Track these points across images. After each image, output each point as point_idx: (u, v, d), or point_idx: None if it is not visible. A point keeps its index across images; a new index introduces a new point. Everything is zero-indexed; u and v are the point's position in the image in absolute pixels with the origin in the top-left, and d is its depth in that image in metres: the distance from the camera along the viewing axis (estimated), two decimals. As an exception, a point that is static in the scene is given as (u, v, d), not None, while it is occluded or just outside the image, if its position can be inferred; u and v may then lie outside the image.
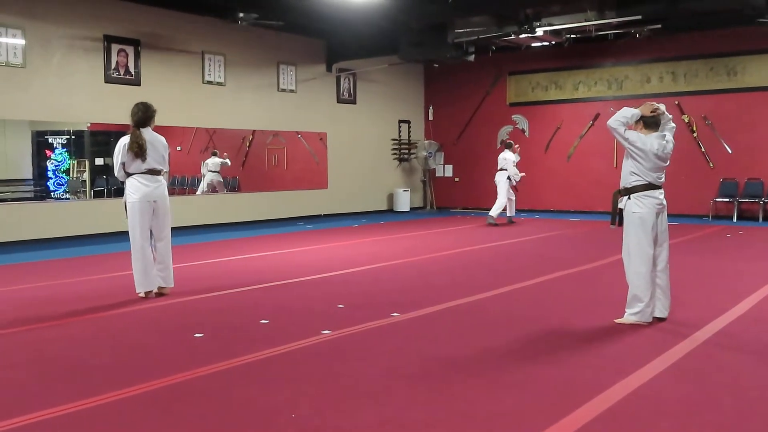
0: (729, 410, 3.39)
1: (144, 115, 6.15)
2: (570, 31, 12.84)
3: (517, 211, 13.95)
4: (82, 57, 11.00)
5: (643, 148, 4.96)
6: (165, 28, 12.04)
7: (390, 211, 16.62)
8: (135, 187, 6.12)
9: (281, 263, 8.32)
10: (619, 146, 14.79)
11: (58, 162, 12.52)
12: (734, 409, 3.41)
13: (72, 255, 9.25)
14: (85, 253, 9.39)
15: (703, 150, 14.07)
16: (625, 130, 4.98)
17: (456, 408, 3.42)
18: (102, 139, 12.82)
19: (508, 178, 12.71)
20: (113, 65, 11.36)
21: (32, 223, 10.56)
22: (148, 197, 6.14)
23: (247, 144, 14.74)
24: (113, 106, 11.14)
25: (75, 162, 12.59)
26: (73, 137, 12.63)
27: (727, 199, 13.68)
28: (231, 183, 14.85)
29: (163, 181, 6.29)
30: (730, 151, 13.82)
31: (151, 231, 6.24)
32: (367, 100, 16.10)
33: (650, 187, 5.03)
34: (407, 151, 17.24)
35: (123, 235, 6.78)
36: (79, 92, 11.00)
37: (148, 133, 6.15)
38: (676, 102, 13.93)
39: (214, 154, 14.26)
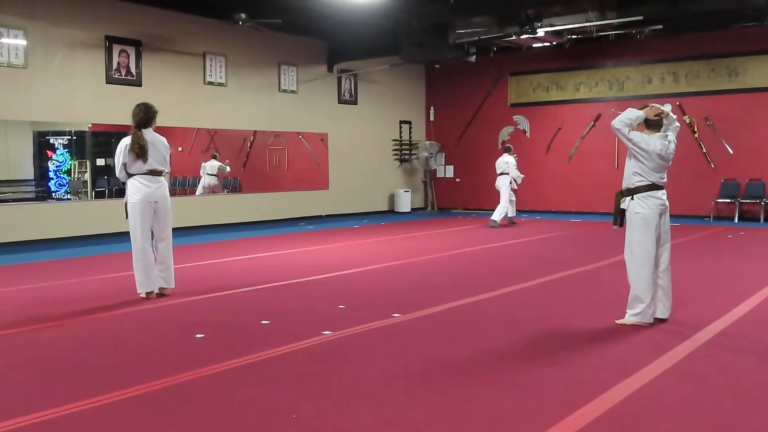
0: (730, 411, 3.39)
1: (145, 115, 6.15)
2: (571, 31, 12.84)
3: (519, 211, 13.96)
4: (83, 58, 11.01)
5: (646, 149, 4.96)
6: (166, 29, 12.05)
7: (391, 212, 16.62)
8: (136, 188, 6.12)
9: (282, 264, 8.32)
10: (621, 147, 14.80)
11: (60, 162, 12.53)
12: (735, 409, 3.41)
13: (73, 255, 9.25)
14: (86, 254, 9.40)
15: (704, 151, 14.06)
16: (630, 131, 4.98)
17: (457, 409, 3.41)
18: (103, 139, 12.83)
19: (511, 181, 12.70)
20: (114, 66, 11.37)
21: (33, 223, 10.57)
22: (149, 198, 6.14)
23: (249, 145, 14.76)
24: (114, 107, 11.15)
25: (76, 162, 12.61)
26: (74, 138, 12.65)
27: (729, 200, 13.67)
28: (232, 184, 14.87)
29: (164, 182, 6.29)
30: (731, 152, 13.82)
31: (152, 231, 6.24)
32: (368, 101, 16.10)
33: (653, 187, 5.03)
34: (408, 152, 17.24)
35: (124, 236, 6.78)
36: (81, 93, 11.01)
37: (149, 133, 6.16)
38: (678, 103, 13.92)
39: (214, 157, 14.27)
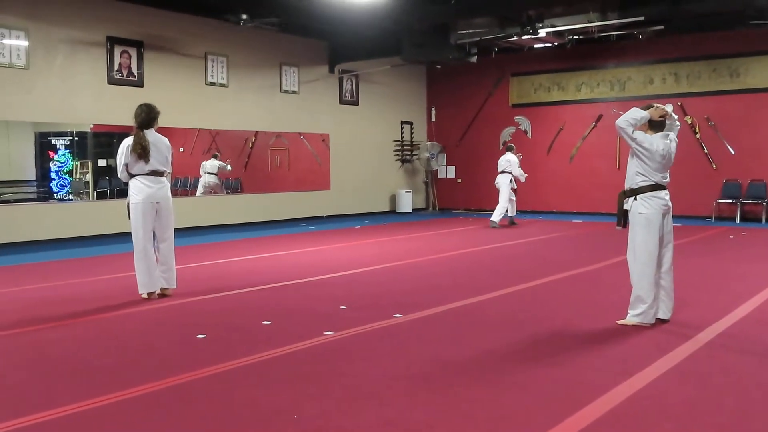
0: (732, 412, 3.39)
1: (147, 116, 6.16)
2: (573, 32, 12.84)
3: (520, 212, 13.96)
4: (85, 58, 11.02)
5: (650, 149, 4.97)
6: (168, 30, 12.06)
7: (392, 213, 16.62)
8: (138, 189, 6.13)
9: (284, 264, 8.33)
10: (622, 147, 14.82)
11: (61, 163, 12.54)
12: (737, 410, 3.41)
13: (75, 256, 9.26)
14: (87, 254, 9.41)
15: (705, 151, 14.05)
16: (634, 130, 4.99)
17: (458, 409, 3.42)
18: (105, 140, 12.84)
19: (510, 180, 12.70)
20: (116, 67, 11.38)
21: (35, 224, 10.58)
22: (151, 198, 6.14)
23: (250, 145, 14.76)
24: (116, 108, 11.16)
25: (78, 163, 12.62)
26: (76, 138, 12.65)
27: (730, 201, 13.66)
28: (233, 184, 14.87)
29: (166, 183, 6.29)
30: (733, 153, 13.81)
31: (154, 232, 6.25)
32: (369, 102, 16.11)
33: (656, 187, 5.03)
34: (410, 153, 17.24)
35: (125, 236, 6.79)
36: (82, 94, 11.02)
37: (151, 134, 6.16)
38: (679, 103, 13.90)
39: (215, 157, 14.27)
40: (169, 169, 6.34)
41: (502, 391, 3.68)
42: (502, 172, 12.82)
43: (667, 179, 5.11)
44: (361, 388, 3.73)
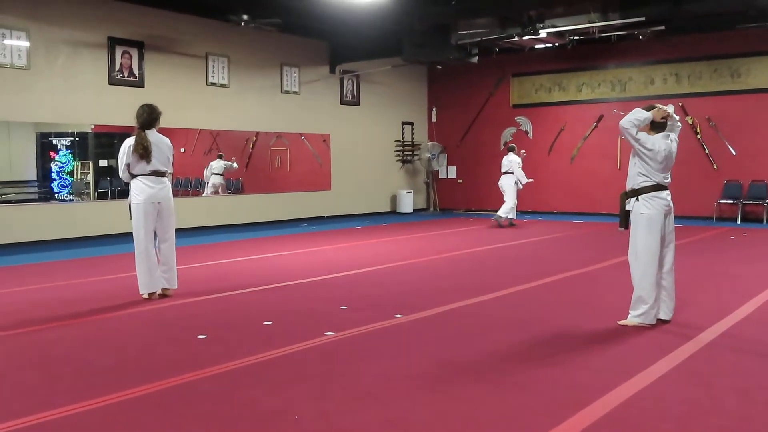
0: (733, 412, 3.39)
1: (149, 116, 6.16)
2: (573, 32, 12.82)
3: (521, 212, 13.94)
4: (86, 59, 11.03)
5: (652, 149, 4.98)
6: (169, 30, 12.07)
7: (393, 213, 16.63)
8: (140, 189, 6.13)
9: (284, 265, 8.33)
10: (623, 148, 14.80)
11: (62, 163, 12.55)
12: (738, 411, 3.41)
13: (76, 256, 9.27)
14: (88, 255, 9.41)
15: (707, 152, 14.05)
16: (637, 131, 5.00)
17: (459, 410, 3.41)
18: (106, 140, 12.85)
19: (516, 181, 12.71)
20: (117, 67, 11.39)
21: (36, 224, 10.58)
22: (152, 199, 6.15)
23: (251, 146, 14.76)
24: (117, 108, 11.17)
25: (79, 163, 12.62)
26: (77, 139, 12.66)
27: (731, 201, 13.65)
28: (234, 185, 14.87)
29: (167, 183, 6.30)
30: (734, 153, 13.80)
31: (155, 232, 6.25)
32: (370, 102, 16.11)
33: (658, 187, 5.04)
34: (410, 153, 17.24)
35: (126, 237, 6.79)
36: (83, 94, 11.03)
37: (153, 134, 6.17)
38: (680, 104, 13.90)
39: (220, 157, 14.28)
40: (170, 170, 6.35)
41: (503, 392, 3.68)
42: (506, 173, 12.83)
43: (669, 180, 5.12)
44: (361, 389, 3.73)
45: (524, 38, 12.57)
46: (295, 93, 14.40)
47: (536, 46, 14.54)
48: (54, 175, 12.56)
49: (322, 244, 10.44)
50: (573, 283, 6.99)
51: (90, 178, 12.65)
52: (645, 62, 14.68)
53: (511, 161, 12.80)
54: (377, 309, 5.71)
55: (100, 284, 7.05)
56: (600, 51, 14.91)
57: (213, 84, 12.86)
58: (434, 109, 17.58)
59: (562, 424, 3.21)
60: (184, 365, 4.17)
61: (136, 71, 11.62)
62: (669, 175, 5.12)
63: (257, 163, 15.01)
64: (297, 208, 14.51)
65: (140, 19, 11.62)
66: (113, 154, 12.12)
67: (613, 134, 14.51)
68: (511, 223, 12.99)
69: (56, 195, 12.41)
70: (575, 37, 13.42)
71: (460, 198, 17.28)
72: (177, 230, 6.51)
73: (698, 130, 14.07)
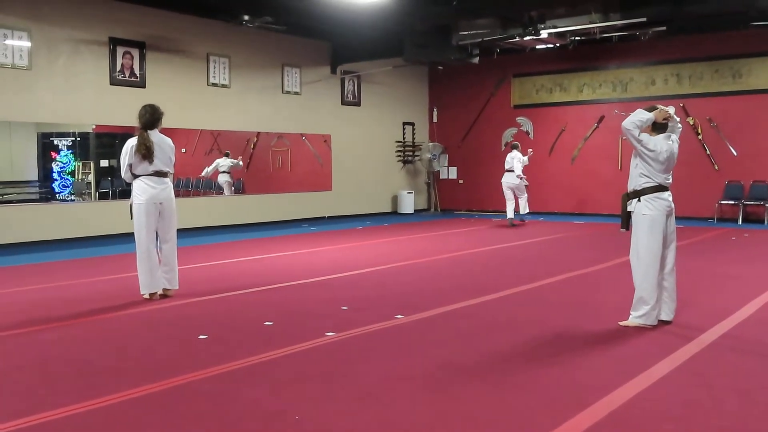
0: (734, 413, 3.38)
1: (151, 117, 6.17)
2: (574, 33, 12.83)
3: (519, 213, 13.92)
4: (87, 59, 11.03)
5: (654, 150, 4.99)
6: (170, 31, 12.07)
7: (394, 213, 16.62)
8: (142, 189, 6.14)
9: (285, 265, 8.33)
10: (624, 148, 14.78)
11: (63, 164, 12.56)
12: (739, 412, 3.40)
13: (77, 256, 9.27)
14: (89, 255, 9.41)
15: (708, 152, 14.04)
16: (639, 132, 5.00)
17: (460, 411, 3.41)
18: (107, 141, 12.86)
19: (521, 177, 12.84)
20: (118, 67, 11.39)
21: (37, 224, 10.59)
22: (154, 199, 6.15)
23: (252, 146, 14.76)
24: (118, 108, 11.18)
25: (80, 164, 12.63)
26: (78, 139, 12.67)
27: (732, 202, 13.64)
28: (235, 185, 14.88)
29: (169, 183, 6.30)
30: (735, 154, 13.79)
31: (156, 233, 6.25)
32: (371, 102, 16.11)
33: (660, 188, 5.04)
34: (411, 153, 17.24)
35: (127, 237, 6.80)
36: (85, 94, 11.03)
37: (155, 135, 6.17)
38: (681, 104, 13.89)
39: (227, 155, 14.30)
40: (172, 170, 6.35)
41: (504, 393, 3.68)
42: (509, 170, 12.91)
43: (670, 180, 5.13)
44: (362, 389, 3.73)
45: (525, 39, 12.58)
46: (296, 93, 14.40)
47: (537, 47, 14.56)
48: (55, 176, 12.57)
49: (323, 244, 10.44)
50: (574, 284, 6.99)
51: (91, 178, 12.66)
52: (646, 63, 14.67)
53: (513, 158, 12.86)
54: (378, 309, 5.70)
55: (101, 284, 7.06)
56: (601, 51, 14.91)
57: (214, 84, 12.86)
58: (435, 110, 17.57)
59: (563, 424, 3.21)
60: (185, 365, 4.17)
61: (137, 71, 11.63)
62: (670, 176, 5.13)
63: (258, 164, 15.01)
64: (298, 208, 14.51)
65: (141, 19, 11.62)
66: (114, 155, 12.13)
67: (614, 135, 14.51)
68: (511, 224, 13.00)
69: (57, 195, 12.42)
70: (576, 38, 13.43)
71: (461, 198, 17.28)
72: (178, 230, 6.51)
73: (699, 131, 14.06)
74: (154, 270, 6.18)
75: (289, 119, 14.32)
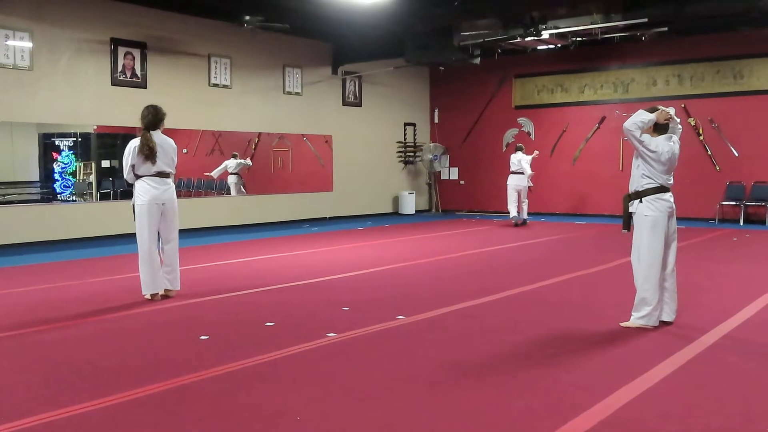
0: (735, 415, 3.38)
1: (154, 118, 6.18)
2: (576, 33, 12.82)
3: (518, 214, 13.93)
4: (89, 60, 11.04)
5: (656, 150, 4.99)
6: (171, 31, 12.08)
7: (395, 214, 16.63)
8: (144, 190, 6.14)
9: (286, 266, 8.33)
10: (626, 149, 14.77)
11: (65, 164, 12.57)
12: (740, 413, 3.40)
13: (78, 257, 9.28)
14: (90, 255, 9.42)
15: (709, 153, 14.03)
16: (641, 133, 5.00)
17: (461, 411, 3.41)
18: (108, 141, 12.87)
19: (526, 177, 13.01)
20: (120, 68, 11.40)
21: (39, 225, 10.59)
22: (157, 200, 6.16)
23: (253, 147, 14.77)
24: (120, 109, 11.19)
25: (81, 164, 12.65)
26: (79, 140, 12.68)
27: (734, 203, 13.63)
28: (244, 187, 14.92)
29: (171, 184, 6.31)
30: (736, 154, 13.78)
31: (158, 233, 6.26)
32: (372, 103, 16.11)
33: (661, 189, 5.04)
34: (413, 154, 17.24)
35: (129, 237, 6.80)
36: (86, 95, 11.04)
37: (157, 135, 6.18)
38: (683, 105, 13.89)
39: (234, 156, 14.32)
40: (174, 171, 6.36)
41: (505, 393, 3.68)
42: (514, 172, 13.00)
43: (672, 181, 5.13)
44: (363, 390, 3.73)
45: (527, 39, 12.58)
46: (297, 94, 14.41)
47: (539, 48, 14.55)
48: (56, 176, 12.58)
49: (324, 245, 10.44)
50: (575, 285, 6.99)
51: (92, 178, 12.67)
52: (647, 63, 14.67)
53: (521, 159, 12.98)
54: (379, 310, 5.70)
55: (103, 285, 7.06)
56: (602, 52, 14.90)
57: (215, 85, 12.87)
58: (436, 111, 17.57)
59: (564, 425, 3.21)
60: (186, 366, 4.17)
61: (138, 72, 11.64)
62: (672, 177, 5.13)
63: (259, 164, 15.01)
64: (299, 209, 14.52)
65: (143, 19, 11.63)
66: (116, 155, 12.14)
67: (615, 136, 14.50)
68: (516, 224, 13.08)
69: (59, 196, 12.43)
70: (578, 39, 13.42)
71: (462, 199, 17.28)
72: (179, 231, 6.52)
73: (701, 132, 14.06)
74: (156, 271, 6.19)
75: (290, 120, 14.33)
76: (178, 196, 6.49)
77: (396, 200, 16.82)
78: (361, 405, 3.51)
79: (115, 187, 12.63)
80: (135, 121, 6.22)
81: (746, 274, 7.53)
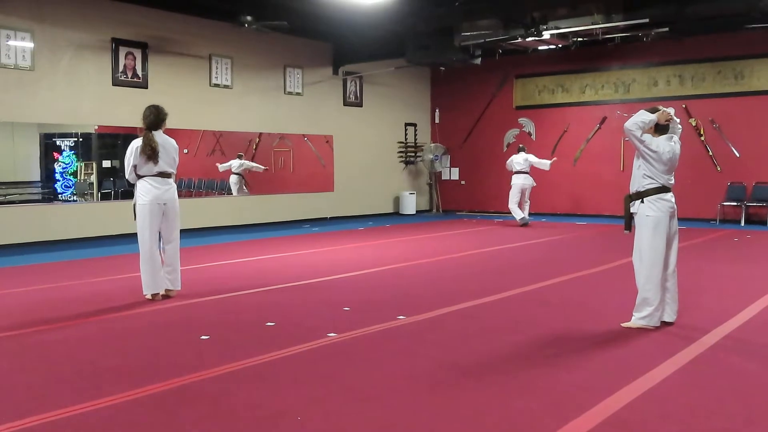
0: (735, 415, 3.38)
1: (156, 118, 6.18)
2: (577, 34, 12.82)
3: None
4: (89, 60, 11.05)
5: (657, 150, 4.99)
6: (172, 32, 12.09)
7: (396, 214, 16.63)
8: (146, 190, 6.14)
9: (287, 266, 8.33)
10: (627, 149, 14.77)
11: (66, 164, 12.58)
12: (741, 413, 3.40)
13: (79, 257, 9.28)
14: (91, 255, 9.42)
15: (710, 153, 14.02)
16: (642, 133, 5.00)
17: (461, 412, 3.41)
18: (109, 141, 12.89)
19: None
20: (121, 68, 11.40)
21: (40, 225, 10.60)
22: (158, 200, 6.16)
23: (254, 147, 14.78)
24: (121, 109, 11.19)
25: (82, 164, 12.66)
26: (80, 140, 12.70)
27: (735, 203, 13.63)
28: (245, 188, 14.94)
29: (173, 184, 6.31)
30: (737, 155, 13.77)
31: (159, 233, 6.26)
32: (373, 103, 16.12)
33: (663, 189, 5.04)
34: (413, 154, 17.24)
35: (130, 237, 6.81)
36: (87, 95, 11.05)
37: (159, 136, 6.18)
38: (684, 105, 13.89)
39: (239, 157, 14.34)
40: (175, 171, 6.36)
41: (506, 394, 3.68)
42: (518, 172, 13.06)
43: (673, 181, 5.13)
44: (364, 391, 3.73)
45: (527, 40, 12.58)
46: (298, 94, 14.41)
47: (539, 48, 14.55)
48: (57, 176, 12.60)
49: (325, 245, 10.45)
50: (576, 285, 6.99)
51: (93, 178, 12.68)
52: (648, 64, 14.66)
53: (526, 159, 13.22)
54: (380, 310, 5.70)
55: (103, 285, 7.06)
56: (603, 53, 14.90)
57: (216, 85, 12.88)
58: (437, 111, 17.57)
59: (565, 426, 3.21)
60: (187, 366, 4.17)
61: (139, 72, 11.64)
62: (673, 177, 5.13)
63: (260, 164, 15.02)
64: (300, 209, 14.52)
65: (144, 20, 11.63)
66: (117, 155, 12.15)
67: (616, 136, 14.50)
68: (525, 224, 13.15)
69: (60, 196, 12.44)
70: (579, 39, 13.42)
71: (462, 199, 17.27)
72: (180, 231, 6.52)
73: (702, 132, 14.05)
74: (157, 271, 6.19)
75: (291, 120, 14.33)
76: (179, 196, 6.49)
77: (397, 200, 16.83)
78: (362, 405, 3.51)
79: (116, 187, 12.64)
80: (136, 121, 6.23)
81: (747, 274, 7.53)
